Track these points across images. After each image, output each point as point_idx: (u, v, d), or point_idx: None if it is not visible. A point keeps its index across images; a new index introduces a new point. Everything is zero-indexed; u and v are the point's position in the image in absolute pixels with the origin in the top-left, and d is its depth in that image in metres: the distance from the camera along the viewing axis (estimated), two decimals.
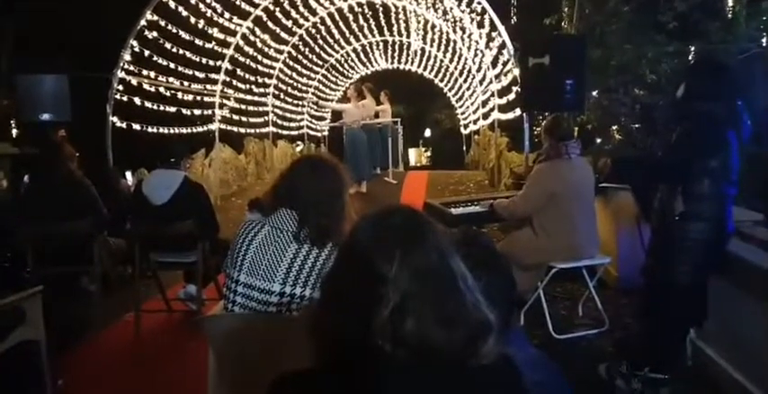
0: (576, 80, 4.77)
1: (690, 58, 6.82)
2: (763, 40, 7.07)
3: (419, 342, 0.87)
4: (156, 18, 7.03)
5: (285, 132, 13.11)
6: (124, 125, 6.84)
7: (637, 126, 7.10)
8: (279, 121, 12.44)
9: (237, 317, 2.02)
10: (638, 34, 6.70)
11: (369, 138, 9.07)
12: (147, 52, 7.08)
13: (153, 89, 7.55)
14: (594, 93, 7.12)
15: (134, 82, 7.00)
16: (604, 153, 6.14)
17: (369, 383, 0.88)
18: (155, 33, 7.09)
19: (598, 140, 7.67)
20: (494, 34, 7.82)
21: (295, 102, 13.33)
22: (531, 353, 1.16)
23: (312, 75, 13.45)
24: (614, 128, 7.61)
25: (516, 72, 6.72)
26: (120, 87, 6.74)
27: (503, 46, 7.47)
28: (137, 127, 7.16)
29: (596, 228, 3.71)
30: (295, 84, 12.81)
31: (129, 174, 7.20)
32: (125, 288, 4.34)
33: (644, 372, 2.81)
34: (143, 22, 6.79)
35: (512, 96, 8.29)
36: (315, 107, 14.54)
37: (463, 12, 8.70)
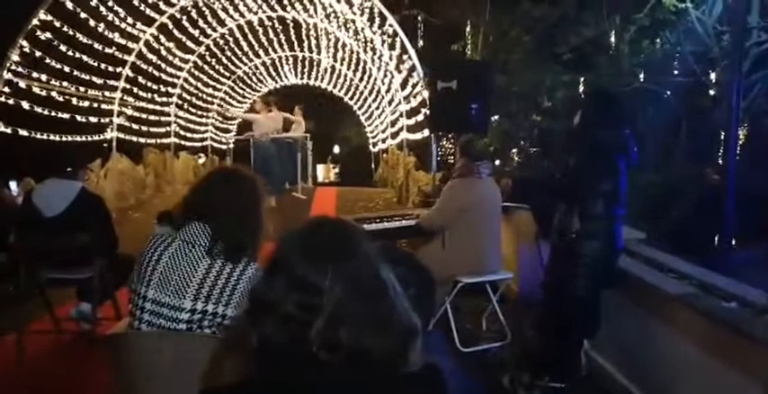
0: (481, 104, 5.02)
1: (581, 87, 7.40)
2: (641, 76, 7.81)
3: (353, 348, 0.89)
4: (50, 18, 6.60)
5: (188, 144, 12.65)
6: (9, 130, 6.32)
7: (534, 149, 7.56)
8: (182, 132, 12.00)
9: (145, 336, 1.92)
10: (536, 63, 7.18)
11: (279, 151, 8.96)
12: (38, 53, 6.62)
13: (44, 93, 7.05)
14: (496, 117, 7.52)
15: (22, 84, 6.51)
16: (505, 174, 6.48)
17: (303, 390, 0.89)
18: (48, 34, 6.65)
19: (497, 162, 8.08)
20: (404, 57, 8.06)
21: (199, 112, 12.94)
22: (446, 362, 1.20)
23: (218, 86, 13.13)
24: (514, 150, 8.05)
25: (425, 94, 6.94)
26: (7, 90, 6.24)
27: (413, 68, 7.72)
28: (24, 133, 6.65)
29: (500, 244, 3.89)
30: (200, 94, 12.44)
31: (13, 184, 6.64)
32: (7, 306, 3.97)
33: (544, 382, 2.97)
34: (35, 22, 6.35)
35: (420, 117, 8.55)
36: (221, 118, 14.18)
37: (375, 33, 8.90)
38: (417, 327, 0.95)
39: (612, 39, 7.68)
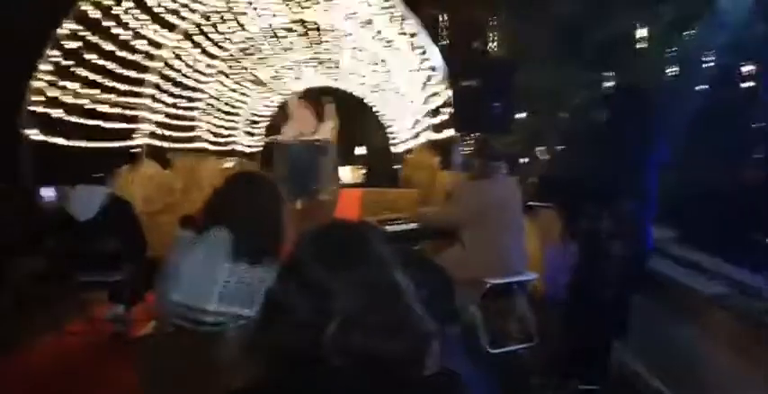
0: (505, 102, 4.98)
1: (608, 84, 7.27)
2: (670, 70, 7.64)
3: (366, 353, 0.88)
4: (77, 27, 6.74)
5: (216, 148, 12.82)
6: (41, 138, 6.48)
7: (560, 147, 7.45)
8: (209, 137, 12.16)
9: (170, 338, 1.94)
10: (560, 60, 7.08)
11: (306, 153, 8.97)
12: (67, 63, 6.77)
13: (74, 101, 7.20)
14: (522, 114, 7.44)
15: (52, 93, 6.67)
16: (531, 173, 6.41)
17: None
18: (76, 43, 6.79)
19: (525, 160, 7.99)
20: (425, 55, 8.02)
21: (226, 117, 13.09)
22: (469, 367, 1.19)
23: (243, 90, 13.27)
24: (539, 149, 7.96)
25: (448, 93, 6.91)
26: (38, 98, 6.39)
27: (434, 68, 7.67)
28: (55, 140, 6.80)
29: (525, 244, 3.84)
30: (227, 99, 12.59)
31: (48, 190, 6.80)
32: (44, 309, 4.07)
33: (574, 385, 2.92)
34: (63, 32, 6.49)
35: (443, 116, 8.50)
36: (248, 122, 14.36)
37: (395, 32, 8.88)
38: (432, 332, 0.94)
39: (639, 33, 7.54)
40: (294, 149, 8.68)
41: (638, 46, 7.41)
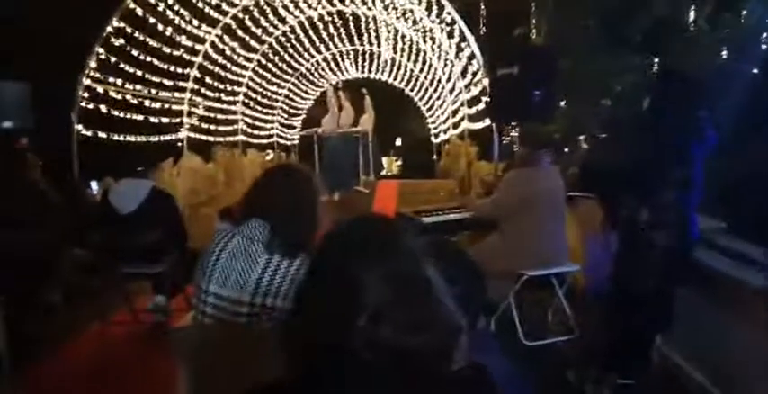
0: (545, 90, 4.86)
1: (654, 70, 7.02)
2: (724, 53, 7.32)
3: (395, 347, 0.88)
4: (122, 25, 6.92)
5: (255, 141, 13.01)
6: (90, 133, 6.70)
7: (603, 136, 7.25)
8: (248, 130, 12.34)
9: (207, 329, 1.98)
10: (604, 46, 6.87)
11: (346, 146, 9.05)
12: (113, 59, 6.97)
13: (119, 97, 7.42)
14: (562, 103, 7.26)
15: (100, 89, 6.87)
16: (572, 162, 6.26)
17: (345, 389, 0.88)
18: (121, 40, 6.98)
19: (566, 150, 7.81)
20: (463, 44, 7.92)
21: (265, 110, 13.25)
22: (501, 362, 1.17)
23: (282, 83, 13.40)
24: (581, 137, 7.76)
25: (486, 82, 6.81)
26: (86, 95, 6.60)
27: (472, 56, 7.57)
28: (102, 135, 7.02)
29: (565, 236, 3.77)
30: (265, 92, 12.74)
31: (94, 184, 7.04)
32: (90, 299, 4.23)
33: (612, 378, 2.86)
34: (109, 29, 6.67)
35: (481, 106, 8.39)
36: (286, 115, 14.50)
37: (433, 22, 8.80)
38: (462, 327, 0.92)
39: (688, 15, 7.24)
40: (333, 141, 8.75)
41: (685, 28, 7.12)
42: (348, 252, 0.94)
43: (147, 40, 7.55)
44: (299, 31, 11.07)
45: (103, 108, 6.97)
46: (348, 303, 0.89)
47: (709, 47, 6.98)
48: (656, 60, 7.13)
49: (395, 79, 14.54)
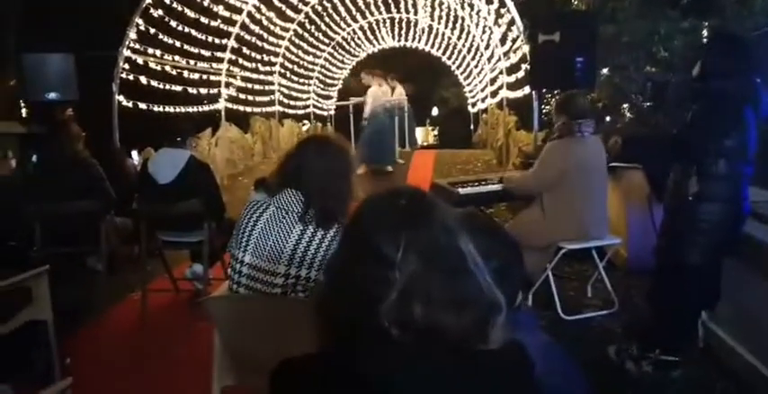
0: (587, 57, 4.67)
1: (704, 34, 6.66)
2: None
3: (427, 325, 0.84)
4: None
5: (291, 111, 13.03)
6: (130, 104, 6.79)
7: (648, 104, 6.97)
8: (285, 100, 12.35)
9: (242, 299, 2.00)
10: (650, 10, 6.53)
11: (390, 119, 9.02)
12: (152, 30, 7.00)
13: (159, 68, 7.48)
14: (605, 70, 6.98)
15: (140, 61, 6.94)
16: (615, 131, 6.05)
17: (374, 368, 0.85)
18: (160, 11, 6.99)
19: (608, 118, 7.55)
20: (502, 10, 7.67)
21: (301, 80, 13.22)
22: (542, 339, 1.12)
23: (318, 53, 13.31)
24: (625, 106, 7.48)
25: (526, 49, 6.59)
26: (126, 66, 6.67)
27: (512, 22, 7.33)
28: (143, 106, 7.12)
29: (606, 208, 3.65)
30: (301, 62, 12.69)
31: (135, 154, 7.17)
32: (131, 267, 4.34)
33: (655, 355, 2.78)
34: (148, 0, 6.68)
35: (521, 74, 8.17)
36: (322, 85, 14.45)
37: None
38: (500, 304, 0.87)
39: None
40: (381, 118, 8.68)
41: None
42: (379, 224, 0.90)
43: (185, 10, 7.55)
44: (335, 0, 10.91)
45: (143, 79, 7.04)
46: (378, 277, 0.85)
47: (763, 8, 6.57)
48: (706, 24, 6.75)
49: (432, 47, 14.28)
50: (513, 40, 7.99)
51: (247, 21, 9.23)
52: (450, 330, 0.84)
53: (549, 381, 0.98)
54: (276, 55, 11.22)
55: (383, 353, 0.83)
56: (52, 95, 5.27)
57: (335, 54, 14.20)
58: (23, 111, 9.23)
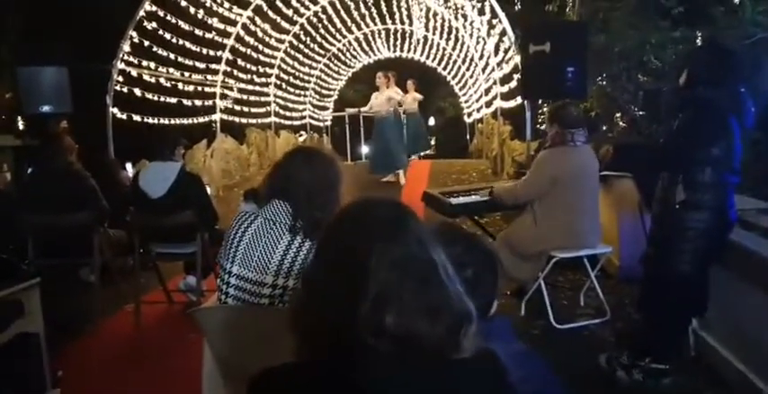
0: (578, 67, 4.72)
1: (696, 43, 6.72)
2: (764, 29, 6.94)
3: (401, 333, 0.85)
4: (154, 8, 6.97)
5: (287, 122, 13.07)
6: (124, 116, 6.81)
7: (641, 113, 7.02)
8: (281, 111, 12.39)
9: (230, 310, 2.00)
10: (642, 20, 6.60)
11: (397, 126, 8.98)
12: (146, 43, 7.04)
13: (153, 80, 7.51)
14: (598, 79, 7.04)
15: (134, 73, 6.97)
16: (608, 140, 6.09)
17: (351, 376, 0.86)
18: (154, 24, 7.04)
19: (605, 128, 7.59)
20: (494, 21, 7.74)
21: (297, 91, 13.27)
22: (517, 347, 1.14)
23: (314, 64, 13.37)
24: (618, 115, 7.53)
25: (517, 59, 6.65)
26: (120, 78, 6.70)
27: (504, 33, 7.39)
28: (137, 118, 7.14)
29: (598, 217, 3.67)
30: (297, 73, 12.74)
31: (129, 166, 7.19)
32: (125, 279, 4.34)
33: (645, 363, 2.79)
34: (142, 13, 6.73)
35: (513, 84, 8.22)
36: (318, 96, 14.50)
37: None
38: (471, 313, 0.89)
39: None
40: (388, 122, 8.65)
41: (728, 1, 6.79)
42: (352, 234, 0.92)
43: (180, 22, 7.60)
44: (330, 11, 10.98)
45: (137, 91, 7.07)
46: (352, 287, 0.87)
47: (752, 19, 6.64)
48: (698, 33, 6.82)
49: (427, 58, 14.36)
50: (506, 51, 8.06)
51: (242, 32, 9.28)
52: (424, 338, 0.86)
53: (524, 389, 0.99)
54: (272, 66, 11.27)
55: (360, 361, 0.85)
56: (46, 108, 5.29)
57: (331, 65, 14.27)
58: (20, 123, 9.27)
